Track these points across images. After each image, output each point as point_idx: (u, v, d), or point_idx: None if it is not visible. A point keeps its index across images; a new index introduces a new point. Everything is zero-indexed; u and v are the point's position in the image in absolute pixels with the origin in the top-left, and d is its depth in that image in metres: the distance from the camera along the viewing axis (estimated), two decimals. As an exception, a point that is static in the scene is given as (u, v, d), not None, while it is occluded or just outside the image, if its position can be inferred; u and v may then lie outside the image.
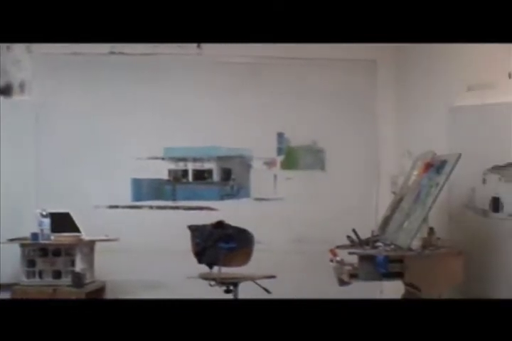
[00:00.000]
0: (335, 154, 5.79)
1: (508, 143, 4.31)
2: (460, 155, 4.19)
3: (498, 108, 4.43)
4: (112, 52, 5.59)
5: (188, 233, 4.93)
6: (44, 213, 5.09)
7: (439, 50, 4.76)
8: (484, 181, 4.51)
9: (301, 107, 5.75)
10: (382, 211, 5.02)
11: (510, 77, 4.40)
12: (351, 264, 4.32)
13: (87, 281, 5.22)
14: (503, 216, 4.38)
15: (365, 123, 5.79)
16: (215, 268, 4.78)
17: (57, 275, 5.15)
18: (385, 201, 5.17)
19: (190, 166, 5.75)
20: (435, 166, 4.40)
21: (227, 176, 5.75)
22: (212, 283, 4.76)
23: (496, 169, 4.42)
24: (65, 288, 5.07)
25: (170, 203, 5.75)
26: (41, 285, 5.11)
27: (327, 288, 4.71)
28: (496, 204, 4.43)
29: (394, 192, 5.13)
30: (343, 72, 5.77)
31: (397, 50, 5.37)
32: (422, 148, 4.87)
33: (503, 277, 4.37)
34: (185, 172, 5.76)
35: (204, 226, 4.90)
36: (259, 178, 5.76)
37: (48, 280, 5.15)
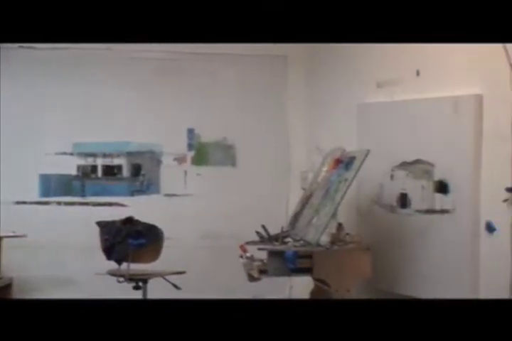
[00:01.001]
0: (245, 150, 5.78)
1: (417, 140, 4.38)
2: (368, 151, 4.24)
3: (407, 105, 4.50)
4: (21, 46, 5.46)
5: (97, 229, 4.86)
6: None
7: (349, 47, 4.79)
8: (392, 177, 4.58)
9: (212, 103, 5.72)
10: (293, 207, 5.04)
11: (418, 74, 4.48)
12: (261, 260, 4.33)
13: (-6, 278, 5.13)
14: (411, 212, 4.46)
15: (276, 119, 5.79)
16: (124, 265, 4.73)
17: (-37, 271, 5.04)
18: (296, 197, 5.19)
19: (100, 162, 5.67)
20: (344, 162, 4.44)
21: (137, 172, 5.69)
22: (121, 279, 4.70)
23: (404, 166, 4.49)
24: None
25: (79, 199, 5.66)
26: None
27: (237, 284, 4.71)
28: (403, 200, 4.50)
29: (304, 188, 5.17)
30: (253, 67, 5.76)
31: (308, 46, 5.39)
32: (332, 144, 4.91)
33: (410, 272, 4.44)
34: (94, 168, 5.67)
35: (113, 223, 4.84)
36: (170, 174, 5.72)
37: (-46, 276, 5.04)
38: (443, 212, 4.23)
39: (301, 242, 4.34)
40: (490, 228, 4.01)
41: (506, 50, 3.85)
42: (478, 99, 4.04)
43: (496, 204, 3.95)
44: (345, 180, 4.26)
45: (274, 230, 4.57)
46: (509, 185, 3.88)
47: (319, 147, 5.40)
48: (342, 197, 4.20)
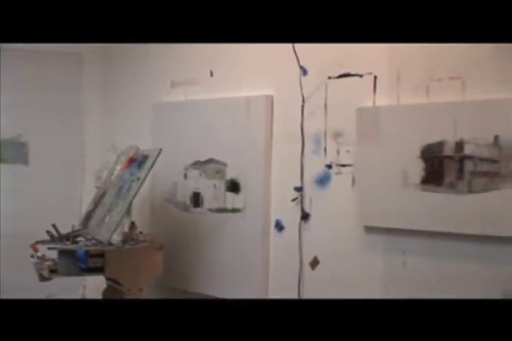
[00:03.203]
0: (39, 148, 5.64)
1: (210, 139, 4.44)
2: (161, 150, 4.25)
3: (201, 104, 4.55)
4: None
5: None
6: None
7: (145, 46, 4.80)
8: (186, 176, 4.61)
9: (6, 100, 5.54)
10: (86, 206, 4.98)
11: (211, 75, 4.54)
12: (52, 259, 4.25)
13: None
14: (203, 210, 4.51)
15: (71, 117, 5.68)
16: None
17: None
18: (90, 196, 5.12)
19: None
20: (137, 161, 4.43)
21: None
22: None
23: (197, 165, 4.54)
24: None
25: None
26: None
27: (29, 284, 4.59)
28: (196, 199, 4.55)
29: (97, 187, 5.12)
30: (49, 64, 5.62)
31: (103, 44, 5.33)
32: (127, 143, 4.88)
33: (203, 270, 4.49)
34: None
35: None
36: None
37: None
38: (234, 210, 4.31)
39: (93, 241, 4.28)
40: (279, 226, 4.13)
41: (295, 52, 3.98)
42: (269, 99, 4.15)
43: (285, 203, 4.07)
44: (138, 178, 4.24)
45: (67, 229, 4.49)
46: (298, 185, 4.01)
47: (114, 146, 5.36)
48: (134, 196, 4.19)
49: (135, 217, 4.41)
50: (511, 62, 3.21)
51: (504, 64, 3.23)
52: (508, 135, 3.15)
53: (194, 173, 4.56)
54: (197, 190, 4.55)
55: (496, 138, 3.19)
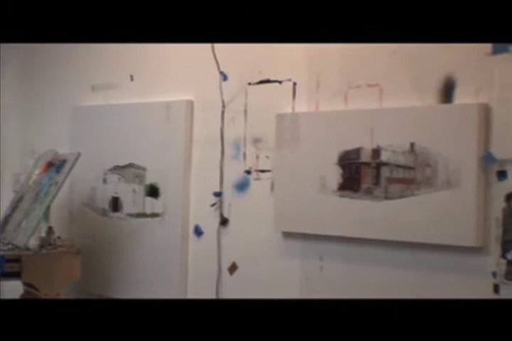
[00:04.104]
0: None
1: (130, 144, 4.41)
2: (79, 154, 4.22)
3: (121, 108, 4.52)
4: None
5: None
6: None
7: (66, 49, 4.76)
8: (105, 181, 4.58)
9: None
10: (4, 210, 4.89)
11: (132, 79, 4.51)
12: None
13: None
14: (122, 215, 4.48)
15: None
16: None
17: None
18: (8, 200, 5.04)
19: None
20: (56, 165, 4.38)
21: None
22: None
23: (117, 169, 4.51)
24: None
25: None
26: None
27: None
28: (115, 203, 4.52)
29: (15, 191, 5.04)
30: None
31: (23, 47, 5.26)
32: (47, 146, 4.81)
33: (122, 275, 4.46)
34: None
35: None
36: None
37: None
38: (153, 215, 4.29)
39: (10, 246, 4.22)
40: (198, 231, 4.13)
41: (216, 58, 3.99)
42: (189, 104, 4.15)
43: (204, 208, 4.08)
44: (56, 183, 4.20)
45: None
46: (217, 190, 4.02)
47: (34, 149, 5.28)
48: (52, 201, 4.15)
49: (53, 221, 4.36)
50: (427, 69, 3.27)
51: (420, 72, 3.29)
52: (424, 142, 3.21)
53: (113, 178, 4.52)
54: (116, 195, 4.52)
55: (412, 145, 3.25)
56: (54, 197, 4.14)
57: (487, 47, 3.09)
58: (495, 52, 3.08)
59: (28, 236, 4.08)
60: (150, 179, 4.31)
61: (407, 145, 3.26)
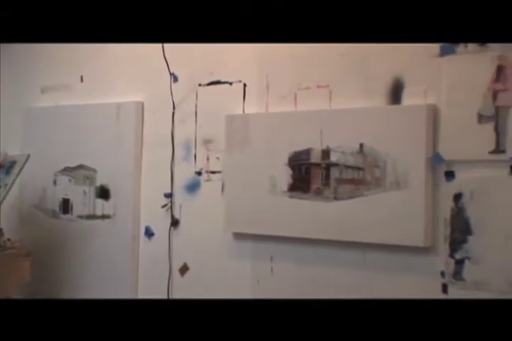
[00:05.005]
0: None
1: (81, 145, 4.39)
2: (29, 155, 4.19)
3: (71, 110, 4.49)
4: None
5: None
6: None
7: (14, 50, 4.71)
8: (55, 182, 4.54)
9: None
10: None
11: (82, 80, 4.49)
12: None
13: None
14: (72, 217, 4.45)
15: None
16: None
17: None
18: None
19: None
20: (5, 167, 4.35)
21: None
22: None
23: (67, 171, 4.48)
24: None
25: None
26: None
27: None
28: (65, 205, 4.49)
29: (-35, 193, 4.99)
30: None
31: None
32: (-3, 149, 4.78)
33: (73, 276, 4.44)
34: None
35: None
36: None
37: None
38: (104, 217, 4.27)
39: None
40: (149, 233, 4.12)
41: (166, 59, 3.99)
42: (139, 105, 4.14)
43: (155, 209, 4.07)
44: (5, 184, 4.17)
45: None
46: (168, 191, 4.01)
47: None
48: (1, 202, 4.11)
49: (3, 223, 4.31)
50: (375, 71, 3.30)
51: (369, 73, 3.32)
52: (373, 143, 3.24)
53: (63, 179, 4.49)
54: (66, 197, 4.48)
55: (361, 146, 3.27)
56: (4, 199, 4.11)
57: (435, 48, 3.12)
58: (443, 53, 3.11)
59: (-27, 239, 4.05)
60: (100, 180, 4.29)
61: (357, 146, 3.28)
